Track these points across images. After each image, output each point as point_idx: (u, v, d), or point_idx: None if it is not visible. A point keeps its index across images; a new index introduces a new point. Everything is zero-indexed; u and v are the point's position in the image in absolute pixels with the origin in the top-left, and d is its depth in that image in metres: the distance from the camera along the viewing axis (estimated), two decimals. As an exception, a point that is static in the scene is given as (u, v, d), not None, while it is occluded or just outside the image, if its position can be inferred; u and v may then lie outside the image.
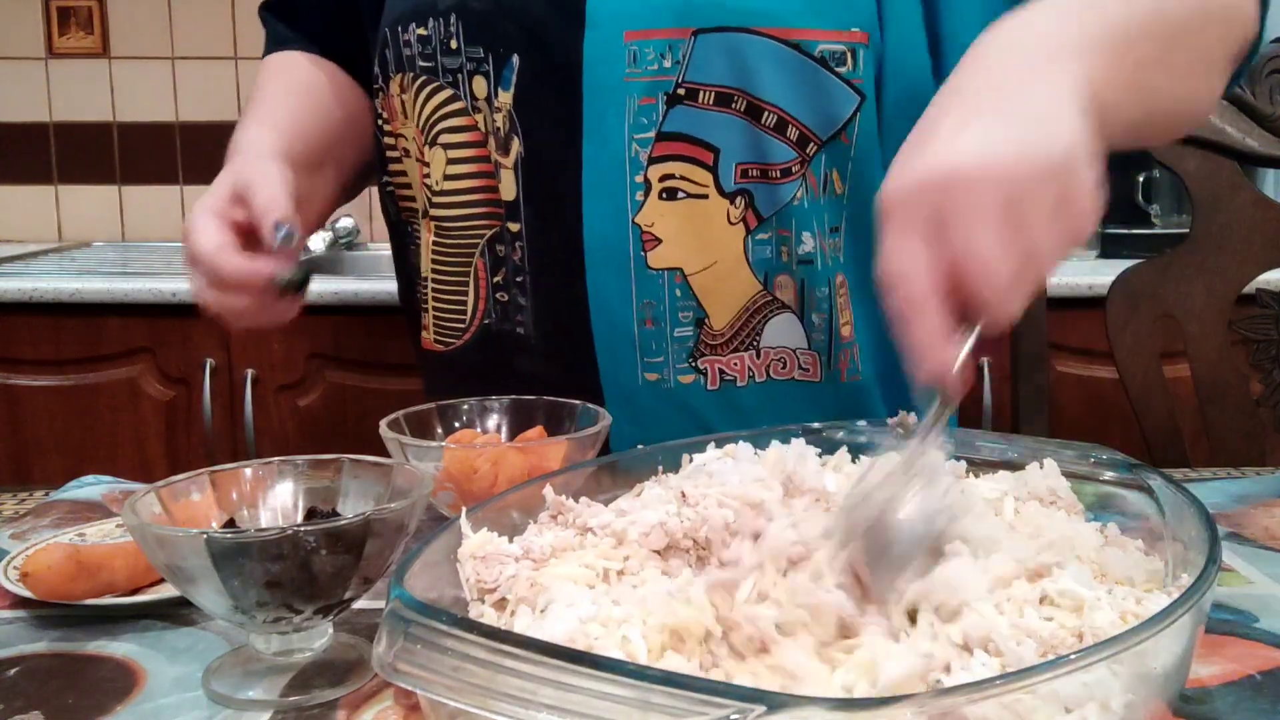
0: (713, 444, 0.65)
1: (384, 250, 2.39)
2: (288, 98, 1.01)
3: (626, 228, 0.86)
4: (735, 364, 0.89)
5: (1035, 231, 0.50)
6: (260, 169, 0.84)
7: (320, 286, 1.82)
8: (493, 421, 0.83)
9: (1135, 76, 0.62)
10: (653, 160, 0.85)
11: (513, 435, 0.81)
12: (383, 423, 0.76)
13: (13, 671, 0.59)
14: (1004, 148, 0.51)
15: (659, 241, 0.86)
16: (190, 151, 2.51)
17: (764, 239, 0.87)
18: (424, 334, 0.99)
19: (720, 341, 0.89)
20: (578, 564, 0.53)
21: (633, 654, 0.45)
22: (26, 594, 0.65)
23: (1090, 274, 1.88)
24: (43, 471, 1.96)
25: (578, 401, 0.81)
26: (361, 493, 0.64)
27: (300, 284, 0.81)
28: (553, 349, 0.91)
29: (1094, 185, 0.52)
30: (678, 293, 0.87)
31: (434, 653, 0.41)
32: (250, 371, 1.92)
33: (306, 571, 0.55)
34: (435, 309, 0.96)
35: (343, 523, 0.55)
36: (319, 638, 0.59)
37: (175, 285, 1.91)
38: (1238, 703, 0.54)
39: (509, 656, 0.40)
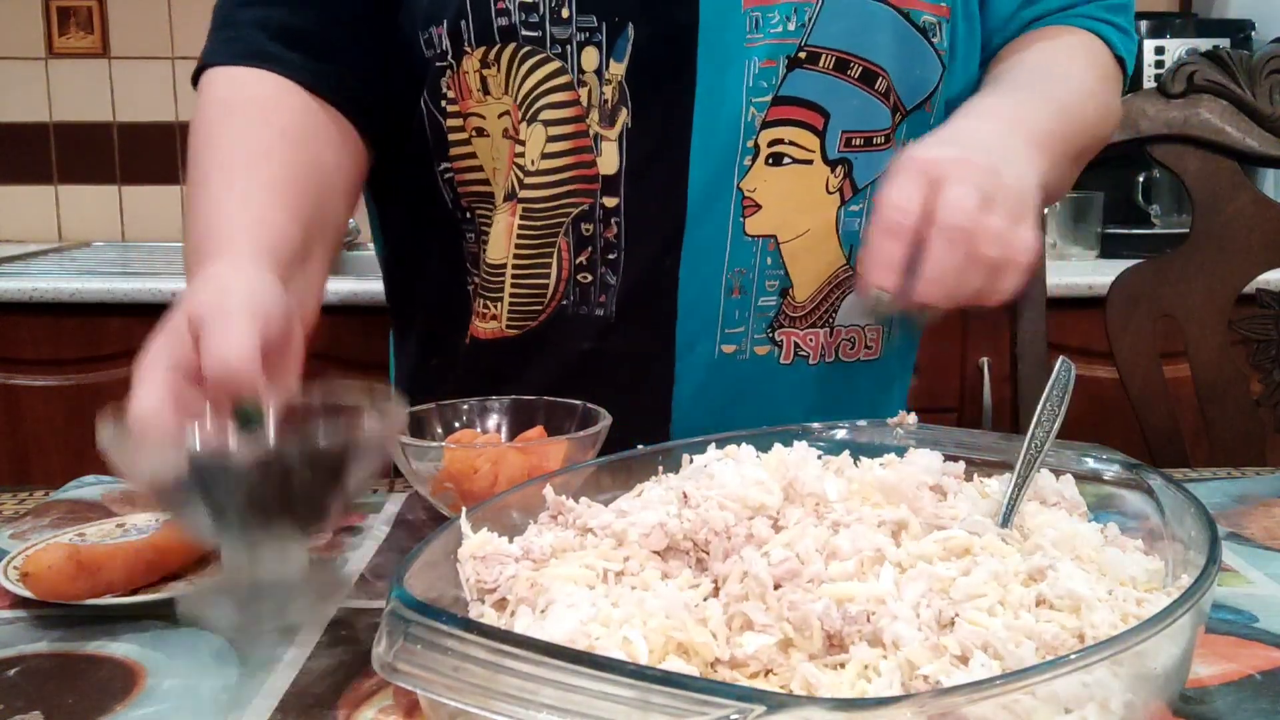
0: (714, 445, 0.65)
1: (384, 250, 2.41)
2: (269, 166, 0.78)
3: (730, 193, 0.87)
4: (811, 339, 0.92)
5: (992, 216, 0.69)
6: (221, 301, 0.60)
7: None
8: (493, 421, 0.83)
9: (1053, 173, 0.84)
10: (765, 124, 0.86)
11: (513, 435, 0.81)
12: (383, 423, 0.76)
13: (13, 671, 0.59)
14: (1002, 164, 0.72)
15: (758, 208, 0.88)
16: (190, 151, 2.51)
17: (856, 210, 0.90)
18: (479, 324, 0.94)
19: (800, 314, 0.91)
20: (578, 564, 0.53)
21: (634, 655, 0.45)
22: (26, 594, 0.65)
23: (1090, 274, 1.88)
24: (43, 471, 1.96)
25: (577, 402, 0.81)
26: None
27: None
28: (631, 324, 0.90)
29: (1035, 227, 0.71)
30: (768, 260, 0.89)
31: (434, 653, 0.41)
32: (250, 371, 1.92)
33: (286, 487, 0.56)
34: (513, 295, 0.92)
35: (323, 444, 0.57)
36: (294, 561, 0.60)
37: (175, 285, 1.91)
38: (1238, 703, 0.54)
39: (509, 656, 0.40)
